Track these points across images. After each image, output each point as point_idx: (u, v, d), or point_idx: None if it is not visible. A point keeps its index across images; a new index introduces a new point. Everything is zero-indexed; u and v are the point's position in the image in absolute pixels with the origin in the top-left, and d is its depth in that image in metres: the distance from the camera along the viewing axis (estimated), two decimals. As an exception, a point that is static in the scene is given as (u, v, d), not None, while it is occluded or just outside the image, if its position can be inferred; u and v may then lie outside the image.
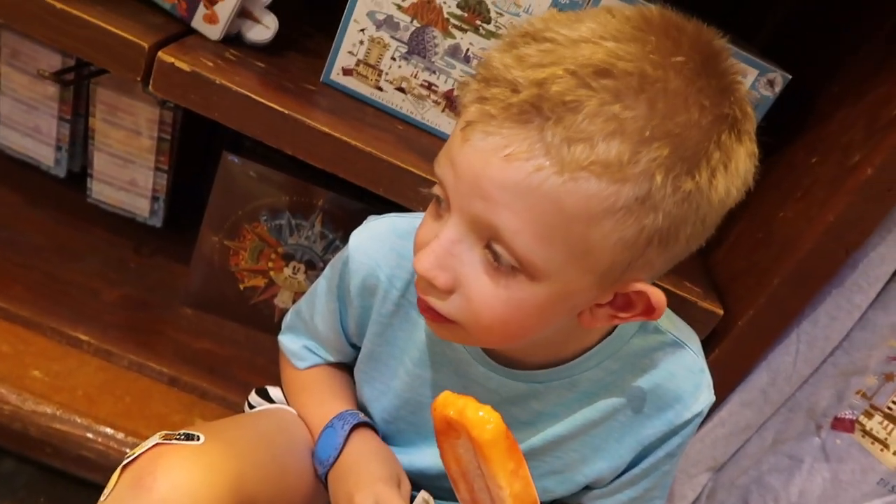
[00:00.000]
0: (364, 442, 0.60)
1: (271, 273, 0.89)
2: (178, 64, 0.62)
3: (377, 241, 0.57)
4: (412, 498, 0.57)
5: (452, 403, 0.42)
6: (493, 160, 0.39)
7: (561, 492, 0.60)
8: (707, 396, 0.55)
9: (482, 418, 0.42)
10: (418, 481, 0.61)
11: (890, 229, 0.66)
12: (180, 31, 0.67)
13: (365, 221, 0.59)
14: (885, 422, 0.75)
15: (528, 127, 0.38)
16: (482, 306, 0.44)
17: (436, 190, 0.45)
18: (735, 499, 0.83)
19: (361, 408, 0.65)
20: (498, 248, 0.42)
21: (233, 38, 0.70)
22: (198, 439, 0.50)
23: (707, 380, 0.56)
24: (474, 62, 0.69)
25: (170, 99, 0.64)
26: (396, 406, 0.61)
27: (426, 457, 0.60)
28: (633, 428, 0.56)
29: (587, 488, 0.60)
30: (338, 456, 0.58)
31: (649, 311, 0.45)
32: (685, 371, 0.55)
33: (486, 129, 0.40)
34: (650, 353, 0.55)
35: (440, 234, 0.44)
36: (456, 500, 0.49)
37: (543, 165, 0.38)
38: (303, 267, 0.89)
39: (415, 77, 0.71)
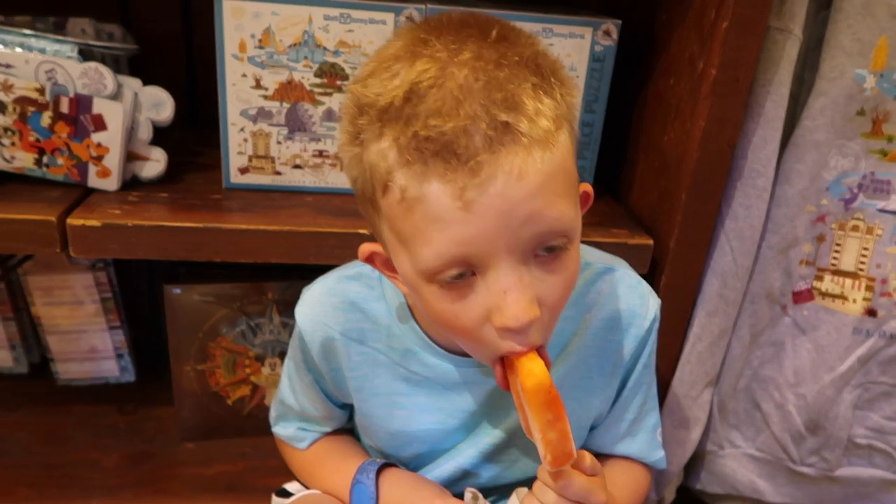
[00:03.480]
0: (396, 479, 0.62)
1: (252, 378, 0.92)
2: (89, 223, 0.66)
3: (318, 306, 0.60)
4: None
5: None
6: (512, 191, 0.41)
7: (576, 443, 0.63)
8: (654, 301, 0.61)
9: (529, 370, 0.46)
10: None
11: (759, 112, 0.73)
12: (81, 195, 0.71)
13: (301, 295, 0.62)
14: (835, 277, 0.80)
15: (506, 142, 0.41)
16: (563, 299, 0.48)
17: (447, 276, 0.44)
18: (744, 403, 0.87)
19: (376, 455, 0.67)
20: (544, 251, 0.45)
21: (130, 182, 0.75)
22: None
23: (647, 287, 0.62)
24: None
25: (93, 257, 0.68)
26: (403, 444, 0.64)
27: (441, 471, 0.63)
28: (608, 357, 0.61)
29: (592, 431, 0.65)
30: (376, 503, 0.60)
31: (586, 200, 0.51)
32: (627, 289, 0.61)
33: (485, 178, 0.41)
34: (591, 287, 0.60)
35: (507, 288, 0.44)
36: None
37: (541, 155, 0.42)
38: (278, 361, 0.91)
39: (304, 151, 0.76)
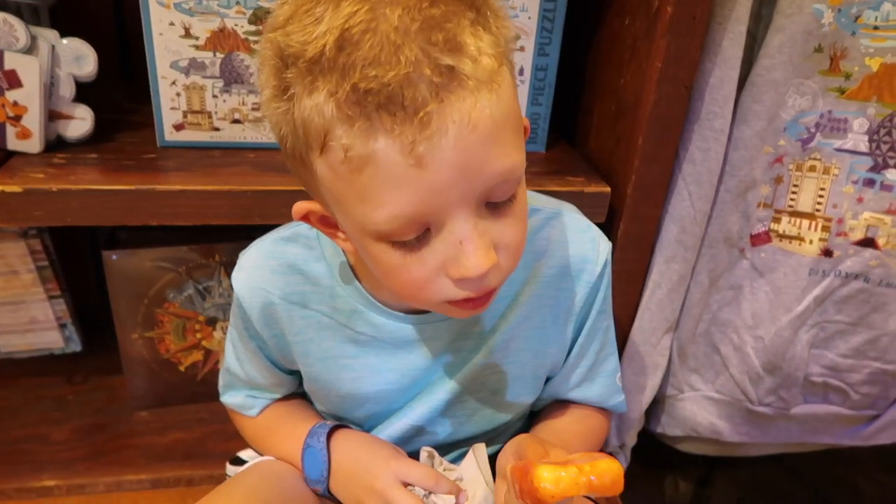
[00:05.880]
0: (348, 441, 0.60)
1: (203, 343, 0.89)
2: (9, 189, 0.61)
3: (256, 272, 0.58)
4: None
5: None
6: (464, 142, 0.39)
7: (532, 394, 0.63)
8: (605, 245, 0.59)
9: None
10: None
11: (715, 51, 0.70)
12: (0, 159, 0.66)
13: (238, 260, 0.59)
14: (792, 219, 0.80)
15: (452, 88, 0.39)
16: (521, 242, 0.47)
17: (402, 240, 0.43)
18: (704, 347, 0.87)
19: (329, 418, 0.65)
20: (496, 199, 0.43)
21: (55, 143, 0.69)
22: None
23: (596, 231, 0.60)
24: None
25: (15, 225, 0.64)
26: (355, 406, 0.63)
27: (394, 430, 0.62)
28: (561, 304, 0.59)
29: (549, 380, 0.64)
30: (329, 467, 0.59)
31: (525, 134, 0.48)
32: (576, 233, 0.59)
33: (435, 129, 0.38)
34: (540, 233, 0.58)
35: (464, 238, 0.42)
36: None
37: (489, 99, 0.40)
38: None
39: (243, 105, 0.72)
